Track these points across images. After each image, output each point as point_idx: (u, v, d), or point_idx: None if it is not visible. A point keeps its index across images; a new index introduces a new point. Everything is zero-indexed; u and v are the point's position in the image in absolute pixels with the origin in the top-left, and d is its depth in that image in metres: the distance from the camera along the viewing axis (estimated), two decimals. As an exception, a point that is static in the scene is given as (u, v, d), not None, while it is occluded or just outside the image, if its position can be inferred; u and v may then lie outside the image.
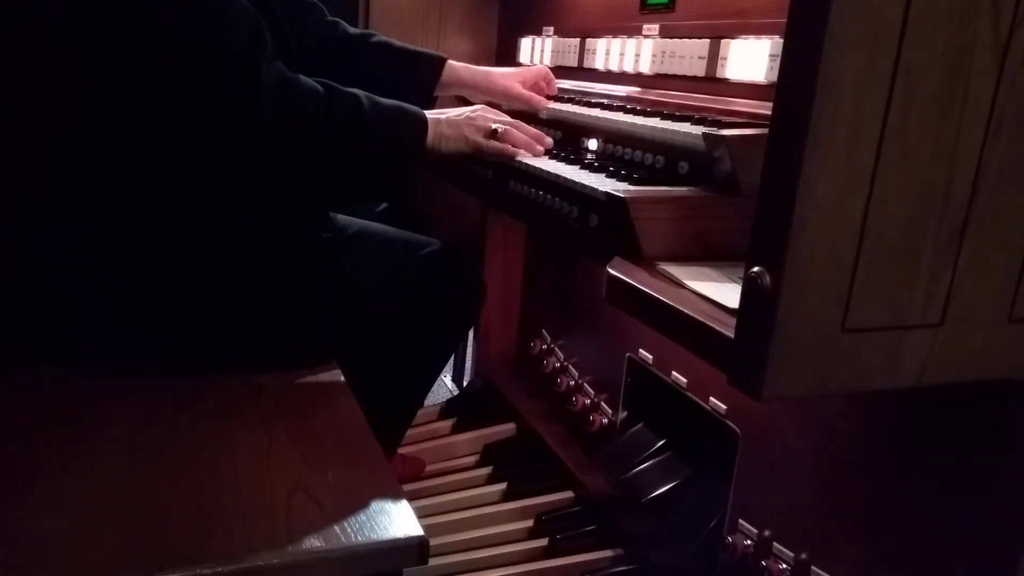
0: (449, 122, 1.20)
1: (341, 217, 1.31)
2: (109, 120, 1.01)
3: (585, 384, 1.79)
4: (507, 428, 1.98)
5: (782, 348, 0.62)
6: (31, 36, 0.98)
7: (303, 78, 1.06)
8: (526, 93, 1.51)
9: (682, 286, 0.80)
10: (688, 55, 1.26)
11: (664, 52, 1.33)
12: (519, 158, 1.19)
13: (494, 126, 1.21)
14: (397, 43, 1.49)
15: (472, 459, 1.89)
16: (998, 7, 0.60)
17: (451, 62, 1.51)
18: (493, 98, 1.52)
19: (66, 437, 0.95)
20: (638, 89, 1.42)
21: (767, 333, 0.62)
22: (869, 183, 0.61)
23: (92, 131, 1.02)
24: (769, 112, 0.63)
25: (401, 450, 1.72)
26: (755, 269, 0.63)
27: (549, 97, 1.55)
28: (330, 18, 1.49)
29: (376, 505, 0.88)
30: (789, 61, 0.61)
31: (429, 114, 1.19)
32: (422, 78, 1.46)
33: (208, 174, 1.07)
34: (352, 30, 1.50)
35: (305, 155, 1.06)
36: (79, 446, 0.93)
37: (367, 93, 1.12)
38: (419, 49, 1.51)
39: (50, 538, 0.77)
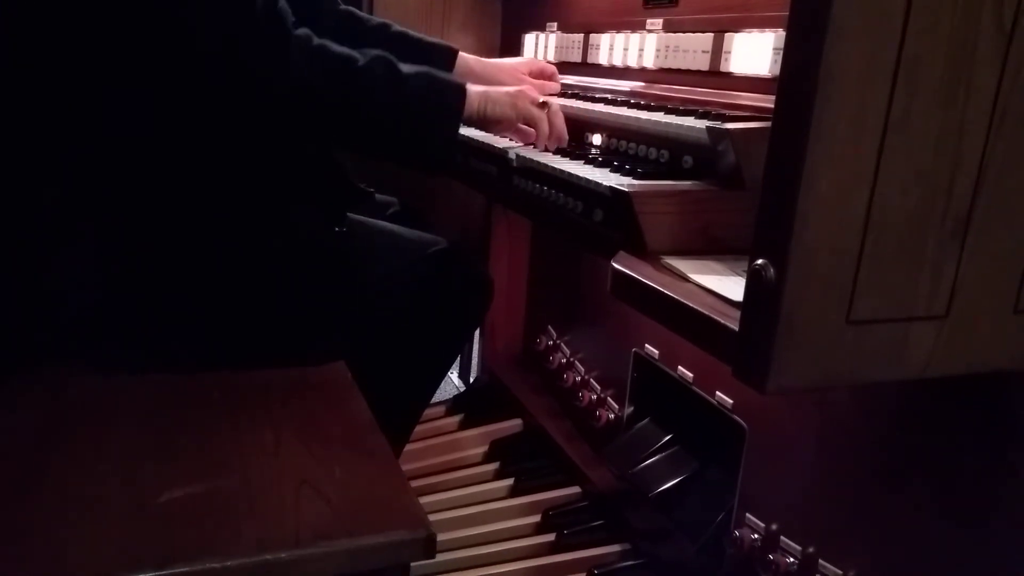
0: (497, 90, 1.22)
1: (349, 216, 1.31)
2: (124, 106, 1.01)
3: (591, 379, 1.79)
4: (514, 424, 1.99)
5: (786, 341, 0.62)
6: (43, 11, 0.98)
7: (330, 43, 1.07)
8: (536, 83, 1.54)
9: (687, 280, 0.80)
10: (692, 49, 1.26)
11: (668, 46, 1.33)
12: (522, 153, 1.19)
13: (542, 99, 1.23)
14: (413, 33, 1.51)
15: (479, 455, 1.89)
16: (1001, -4, 0.60)
17: (462, 54, 1.53)
18: None
19: (75, 433, 0.96)
20: (642, 84, 1.41)
21: (771, 326, 0.62)
22: (872, 175, 0.61)
23: (106, 119, 1.02)
24: (773, 105, 0.63)
25: (408, 446, 1.72)
26: (759, 262, 0.62)
27: (552, 93, 1.55)
28: (343, 7, 1.50)
29: (384, 500, 0.88)
30: (791, 54, 0.61)
31: (472, 86, 1.20)
32: (436, 68, 1.48)
33: (231, 159, 1.08)
34: (369, 20, 1.52)
35: (345, 115, 1.07)
36: (88, 442, 0.94)
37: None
38: (434, 41, 1.53)
39: (58, 534, 0.78)
